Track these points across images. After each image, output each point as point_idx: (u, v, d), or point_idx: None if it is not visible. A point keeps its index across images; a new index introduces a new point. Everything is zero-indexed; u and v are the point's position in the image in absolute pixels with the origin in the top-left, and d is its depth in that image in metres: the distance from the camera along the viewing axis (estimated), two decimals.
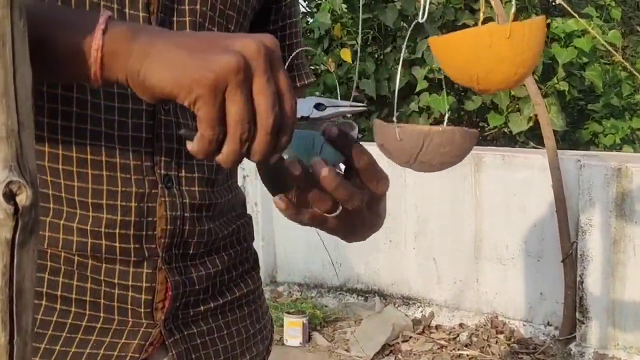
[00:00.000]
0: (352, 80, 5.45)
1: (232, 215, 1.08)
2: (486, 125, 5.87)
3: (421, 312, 4.24)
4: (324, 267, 4.51)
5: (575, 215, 3.66)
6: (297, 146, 0.81)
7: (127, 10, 0.89)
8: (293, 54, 1.13)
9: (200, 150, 0.70)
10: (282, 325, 3.99)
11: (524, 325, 3.95)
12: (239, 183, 1.16)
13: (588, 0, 6.59)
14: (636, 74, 5.47)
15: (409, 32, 1.03)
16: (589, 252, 3.61)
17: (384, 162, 0.87)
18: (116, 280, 0.93)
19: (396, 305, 4.30)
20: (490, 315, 4.05)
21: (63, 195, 0.91)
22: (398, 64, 5.60)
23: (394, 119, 0.81)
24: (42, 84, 0.87)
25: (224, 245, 1.05)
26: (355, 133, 0.84)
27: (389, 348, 3.93)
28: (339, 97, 0.93)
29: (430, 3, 5.48)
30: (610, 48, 4.93)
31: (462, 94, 5.73)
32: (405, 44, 0.91)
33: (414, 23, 0.84)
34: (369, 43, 5.90)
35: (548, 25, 5.22)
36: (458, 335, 4.01)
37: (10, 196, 0.50)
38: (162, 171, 0.93)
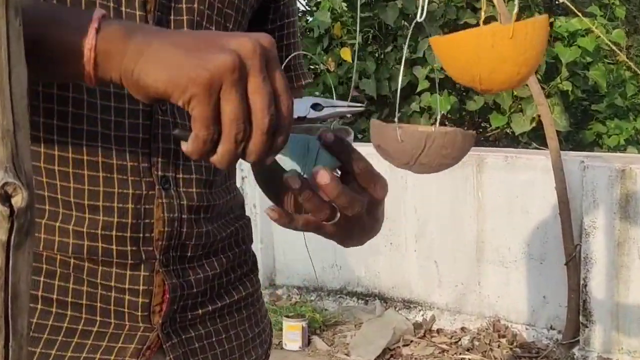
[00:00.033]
0: (354, 80, 5.43)
1: (231, 217, 1.08)
2: (488, 126, 5.88)
3: (422, 315, 4.23)
4: (324, 270, 4.51)
5: (579, 217, 3.67)
6: (293, 150, 0.81)
7: (123, 9, 0.89)
8: (291, 55, 1.12)
9: (194, 150, 0.69)
10: (281, 329, 3.99)
11: (526, 329, 3.95)
12: (237, 184, 1.15)
13: None
14: None
15: (409, 31, 0.99)
16: (593, 254, 3.61)
17: (384, 164, 0.86)
18: (113, 283, 0.93)
19: (397, 309, 4.30)
20: (493, 319, 4.05)
21: (59, 196, 0.90)
22: (399, 63, 5.61)
23: (395, 119, 0.80)
24: (37, 84, 0.86)
25: (222, 248, 1.04)
26: (351, 138, 0.84)
27: (389, 352, 3.93)
28: (334, 97, 0.92)
29: (431, 2, 5.52)
30: (614, 47, 4.92)
31: (464, 94, 5.74)
32: (407, 43, 0.88)
33: (414, 22, 0.84)
34: (369, 42, 5.90)
35: (551, 24, 5.20)
36: (460, 339, 4.01)
37: (5, 198, 0.50)
38: (159, 172, 0.93)
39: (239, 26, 1.01)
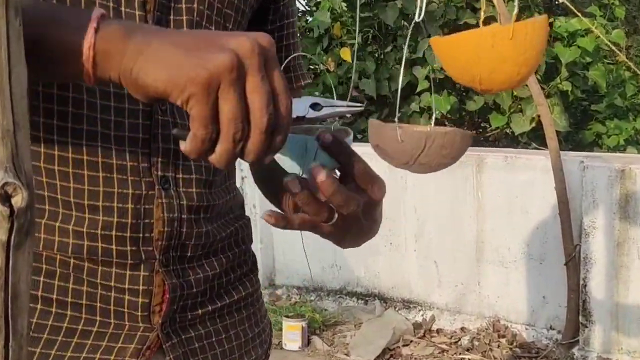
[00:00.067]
0: (353, 80, 5.43)
1: (230, 217, 1.08)
2: (488, 126, 5.88)
3: (422, 315, 4.23)
4: (323, 270, 4.50)
5: (579, 218, 3.66)
6: (291, 150, 0.81)
7: (123, 9, 0.88)
8: (290, 57, 1.12)
9: (192, 149, 0.69)
10: (280, 329, 3.98)
11: (526, 329, 3.95)
12: (237, 184, 1.15)
13: None
14: None
15: (409, 31, 0.99)
16: (592, 254, 3.61)
17: (383, 164, 0.85)
18: (112, 283, 0.93)
19: (396, 309, 4.29)
20: (492, 319, 4.04)
21: (59, 196, 0.90)
22: (398, 63, 5.61)
23: (396, 119, 0.80)
24: (37, 84, 0.86)
25: (222, 248, 1.04)
26: (350, 139, 0.83)
27: (389, 352, 3.92)
28: (335, 97, 0.92)
29: (431, 2, 5.52)
30: (614, 47, 4.91)
31: (464, 94, 5.73)
32: (407, 43, 0.88)
33: (413, 22, 0.84)
34: (369, 42, 5.89)
35: (551, 24, 5.20)
36: (459, 339, 4.00)
37: (5, 198, 0.50)
38: (159, 172, 0.93)
39: (239, 26, 1.01)
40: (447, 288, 4.16)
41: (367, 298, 4.43)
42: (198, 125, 0.68)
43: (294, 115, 0.75)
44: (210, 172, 0.99)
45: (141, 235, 0.92)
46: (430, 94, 5.44)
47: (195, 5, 0.93)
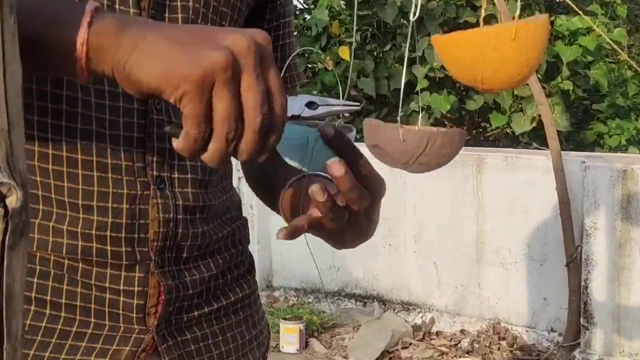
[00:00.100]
0: (351, 78, 5.40)
1: (227, 217, 1.07)
2: (488, 126, 5.89)
3: (421, 317, 4.23)
4: (321, 271, 4.51)
5: (580, 218, 3.67)
6: (291, 140, 0.82)
7: (117, 6, 0.89)
8: (288, 59, 1.13)
9: (185, 148, 0.69)
10: (278, 332, 3.99)
11: (527, 331, 3.95)
12: (234, 184, 1.15)
13: None
14: None
15: (409, 30, 0.98)
16: (594, 256, 3.61)
17: (382, 164, 0.85)
18: (107, 285, 0.93)
19: (395, 311, 4.29)
20: (493, 321, 4.04)
21: (53, 196, 0.90)
22: (397, 62, 5.61)
23: (398, 119, 0.80)
24: (31, 81, 0.87)
25: (218, 249, 1.04)
26: (352, 135, 0.85)
27: (388, 355, 3.92)
28: (341, 96, 0.91)
29: (431, 0, 5.50)
30: (615, 46, 4.92)
31: (464, 93, 5.73)
32: (408, 42, 0.86)
33: (411, 22, 0.84)
34: (367, 41, 5.87)
35: (552, 23, 5.18)
36: (459, 342, 4.01)
37: None
38: (155, 172, 0.93)
39: (235, 24, 1.00)
40: (447, 290, 4.16)
41: (365, 300, 4.43)
42: (191, 123, 0.68)
43: (289, 114, 0.75)
44: (206, 172, 0.99)
45: (136, 236, 0.92)
46: (430, 93, 5.42)
47: (190, 4, 0.93)
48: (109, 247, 0.91)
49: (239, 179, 4.36)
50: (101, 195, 0.90)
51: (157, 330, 0.95)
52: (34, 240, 0.90)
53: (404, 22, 5.70)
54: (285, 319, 4.04)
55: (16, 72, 0.50)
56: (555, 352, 3.79)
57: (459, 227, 4.05)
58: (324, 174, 0.99)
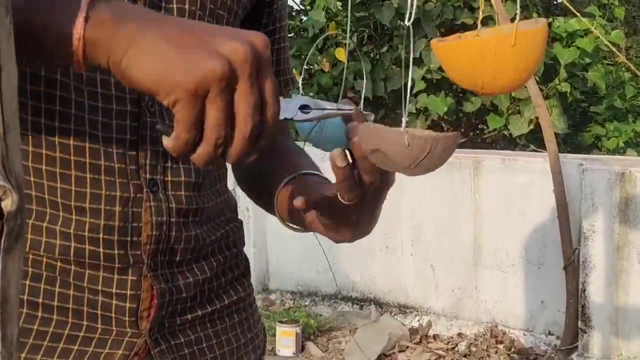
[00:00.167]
0: (347, 80, 5.40)
1: (221, 219, 1.07)
2: (486, 128, 5.90)
3: (418, 321, 4.23)
4: (318, 274, 4.49)
5: (578, 221, 3.66)
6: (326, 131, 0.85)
7: None
8: (286, 64, 1.16)
9: (174, 149, 0.71)
10: (274, 335, 3.98)
11: (524, 334, 3.95)
12: (230, 187, 1.15)
13: None
14: None
15: (405, 32, 0.97)
16: (592, 259, 3.61)
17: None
18: (100, 288, 0.92)
19: (392, 314, 4.29)
20: (490, 325, 4.04)
21: (46, 197, 0.90)
22: (394, 63, 5.61)
23: (403, 123, 0.80)
24: (25, 81, 0.86)
25: (212, 251, 1.04)
26: (371, 120, 0.85)
27: (385, 358, 3.92)
28: (344, 95, 0.87)
29: (428, 1, 5.49)
30: (613, 48, 4.93)
31: (461, 95, 5.72)
32: (411, 44, 0.85)
33: (406, 26, 0.82)
34: (364, 42, 5.86)
35: (549, 25, 5.16)
36: (456, 345, 4.01)
37: None
38: (147, 175, 0.93)
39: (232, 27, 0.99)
40: (444, 293, 4.16)
41: (362, 303, 4.43)
42: (182, 128, 0.69)
43: (281, 117, 0.76)
44: (199, 175, 0.98)
45: (129, 238, 0.92)
46: (428, 95, 5.41)
47: (186, 6, 0.93)
48: (101, 250, 0.91)
49: (234, 182, 4.36)
50: (94, 197, 0.90)
51: (149, 334, 0.95)
52: (27, 241, 0.90)
53: (401, 23, 5.69)
54: (281, 322, 4.04)
55: (12, 73, 0.50)
56: (552, 355, 3.79)
57: (456, 229, 4.05)
58: (318, 173, 1.00)
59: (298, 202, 0.84)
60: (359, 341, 4.00)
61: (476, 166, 3.97)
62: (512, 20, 0.83)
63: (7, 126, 0.49)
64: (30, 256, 0.91)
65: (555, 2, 6.74)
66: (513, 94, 5.31)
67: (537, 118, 4.65)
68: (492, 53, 0.81)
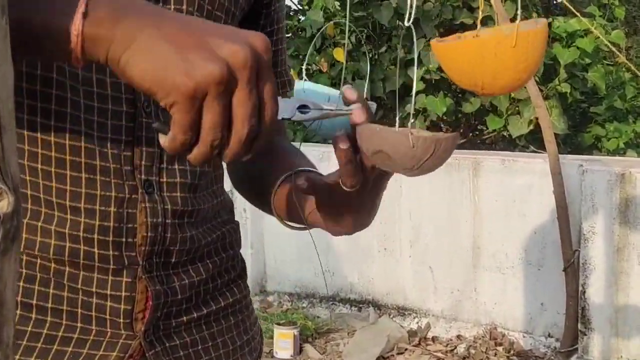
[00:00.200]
0: (346, 80, 5.40)
1: (217, 221, 1.07)
2: (485, 129, 5.91)
3: (417, 323, 4.22)
4: (316, 276, 4.47)
5: (578, 223, 3.65)
6: (315, 94, 0.78)
7: None
8: (284, 65, 1.17)
9: (171, 149, 0.71)
10: (272, 337, 3.97)
11: (524, 336, 3.94)
12: (227, 188, 1.14)
13: None
14: None
15: (410, 32, 0.94)
16: (592, 260, 3.60)
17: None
18: (94, 289, 0.92)
19: (391, 316, 4.28)
20: (489, 327, 4.03)
21: (41, 196, 0.90)
22: (393, 64, 5.63)
23: (409, 125, 0.81)
24: (20, 79, 0.86)
25: (208, 253, 1.04)
26: (373, 108, 0.82)
27: None
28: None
29: (427, 1, 5.48)
30: (613, 48, 4.93)
31: (460, 95, 5.72)
32: (414, 45, 0.84)
33: (410, 24, 0.83)
34: (363, 42, 5.86)
35: (549, 25, 5.16)
36: (455, 347, 3.99)
37: None
38: (143, 176, 0.93)
39: None
40: (443, 294, 4.15)
41: (360, 305, 4.42)
42: (178, 129, 0.69)
43: (279, 117, 0.77)
44: (195, 176, 0.98)
45: (124, 239, 0.92)
46: (426, 95, 5.40)
47: (184, 7, 0.93)
48: (96, 250, 0.91)
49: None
50: (89, 197, 0.90)
51: (144, 336, 0.95)
52: (22, 240, 0.89)
53: (400, 23, 5.70)
54: (279, 324, 4.03)
55: (8, 74, 0.50)
56: (552, 357, 3.79)
57: (455, 231, 4.05)
58: (314, 169, 1.00)
59: (300, 180, 0.85)
60: (357, 343, 4.00)
61: (475, 167, 3.96)
62: (512, 20, 0.83)
63: (3, 127, 0.49)
64: (24, 257, 0.91)
65: (555, 2, 6.76)
66: (512, 95, 5.33)
67: (536, 119, 4.66)
68: (492, 53, 0.82)
